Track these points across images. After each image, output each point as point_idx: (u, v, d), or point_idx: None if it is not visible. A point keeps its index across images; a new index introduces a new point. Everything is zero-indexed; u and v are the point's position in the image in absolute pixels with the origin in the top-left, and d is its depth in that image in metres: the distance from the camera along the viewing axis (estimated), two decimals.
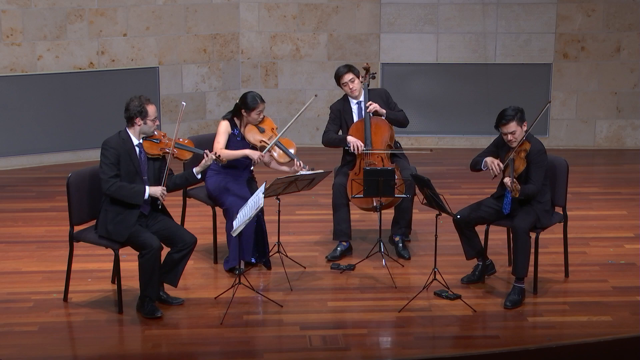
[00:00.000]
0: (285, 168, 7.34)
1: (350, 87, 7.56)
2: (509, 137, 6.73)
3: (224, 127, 7.24)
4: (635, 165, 10.39)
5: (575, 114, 11.15)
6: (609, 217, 8.66)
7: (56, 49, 10.15)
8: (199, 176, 6.62)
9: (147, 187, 6.47)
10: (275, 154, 7.28)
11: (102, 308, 6.63)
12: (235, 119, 7.30)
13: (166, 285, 6.70)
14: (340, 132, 7.73)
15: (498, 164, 6.77)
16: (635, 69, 11.00)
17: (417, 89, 10.71)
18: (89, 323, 6.43)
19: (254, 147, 7.25)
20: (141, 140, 6.53)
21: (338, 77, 7.58)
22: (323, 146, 7.81)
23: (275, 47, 11.00)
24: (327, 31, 10.97)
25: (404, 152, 7.70)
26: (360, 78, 7.63)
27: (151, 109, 6.49)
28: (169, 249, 6.55)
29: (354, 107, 7.66)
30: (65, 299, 6.73)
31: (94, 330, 6.33)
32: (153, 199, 6.55)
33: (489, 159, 6.85)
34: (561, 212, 7.10)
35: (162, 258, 6.84)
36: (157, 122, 6.56)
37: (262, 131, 7.27)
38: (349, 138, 7.51)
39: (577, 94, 11.11)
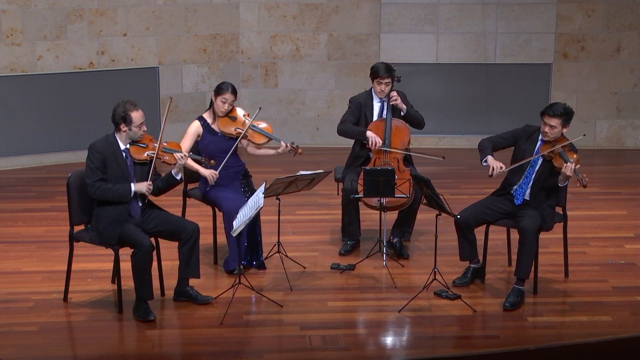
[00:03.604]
0: (269, 151, 7.40)
1: (384, 88, 7.55)
2: (547, 129, 6.72)
3: (193, 129, 7.25)
4: (635, 165, 10.39)
5: (575, 114, 11.13)
6: (609, 217, 8.66)
7: (56, 49, 10.15)
8: (179, 176, 6.61)
9: (132, 184, 6.47)
10: (252, 139, 7.30)
11: (102, 308, 6.63)
12: (206, 116, 7.31)
13: (196, 283, 6.72)
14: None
15: (501, 167, 6.77)
16: (635, 69, 11.00)
17: (417, 89, 10.71)
18: (89, 323, 6.42)
19: (230, 138, 7.25)
20: (128, 145, 6.52)
21: (376, 75, 7.53)
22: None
23: (275, 47, 11.00)
24: (327, 31, 10.97)
25: (417, 154, 7.67)
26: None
27: (136, 116, 6.45)
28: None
29: (377, 105, 7.66)
30: (65, 299, 6.73)
31: (94, 330, 6.32)
32: (141, 198, 6.56)
33: (490, 158, 6.85)
34: (561, 212, 7.10)
35: (160, 258, 6.87)
36: (144, 128, 6.53)
37: (234, 119, 7.29)
38: (369, 132, 7.51)
39: (577, 94, 11.11)
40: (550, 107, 6.76)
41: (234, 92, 7.24)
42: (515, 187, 6.90)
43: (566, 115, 6.73)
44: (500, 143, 7.01)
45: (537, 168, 6.84)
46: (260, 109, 7.50)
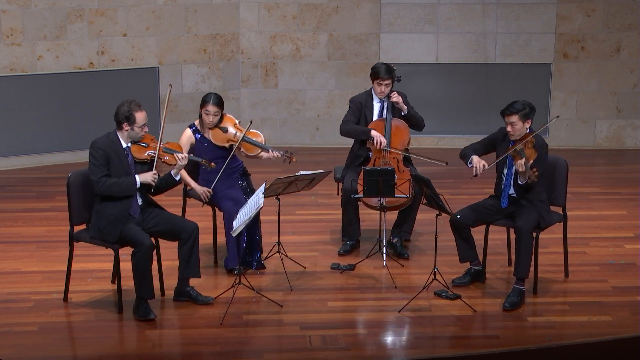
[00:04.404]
0: (263, 154, 7.34)
1: (384, 89, 7.55)
2: (509, 127, 6.78)
3: (186, 138, 7.25)
4: (635, 165, 10.39)
5: (575, 114, 11.16)
6: (609, 217, 8.66)
7: (56, 49, 10.15)
8: (178, 177, 6.61)
9: (136, 176, 6.47)
10: (245, 150, 7.28)
11: (102, 308, 6.63)
12: (196, 124, 7.29)
13: (196, 283, 6.73)
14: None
15: (483, 165, 6.82)
16: (635, 69, 11.00)
17: (417, 89, 10.71)
18: (89, 323, 6.42)
19: (223, 149, 7.23)
20: (129, 144, 6.53)
21: (377, 76, 7.53)
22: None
23: (275, 47, 11.00)
24: (327, 31, 10.97)
25: (420, 157, 7.67)
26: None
27: (139, 116, 6.46)
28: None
29: (376, 105, 7.66)
30: (65, 299, 6.73)
31: (94, 330, 6.33)
32: (142, 195, 6.57)
33: (475, 158, 6.90)
34: (561, 212, 7.10)
35: (159, 258, 6.87)
36: (146, 129, 6.54)
37: (225, 131, 7.26)
38: (374, 132, 7.50)
39: (577, 94, 11.12)
40: (508, 106, 6.80)
41: (217, 103, 7.17)
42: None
43: (523, 110, 6.75)
44: (480, 150, 7.04)
45: (513, 168, 6.85)
46: (251, 122, 7.41)
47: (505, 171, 6.87)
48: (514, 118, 6.74)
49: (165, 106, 6.79)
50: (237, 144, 7.19)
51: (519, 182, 6.74)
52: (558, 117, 7.70)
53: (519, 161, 6.61)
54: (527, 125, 6.79)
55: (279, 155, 7.28)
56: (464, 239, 6.91)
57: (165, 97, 6.90)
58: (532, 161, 6.61)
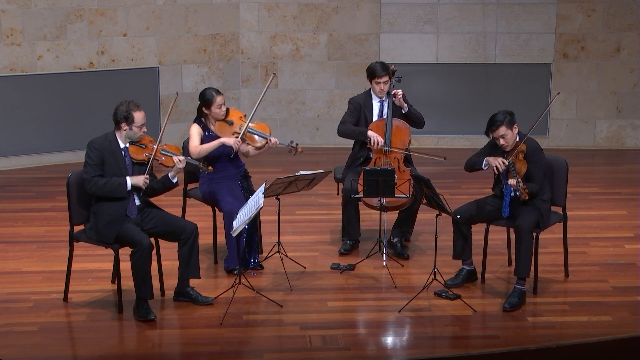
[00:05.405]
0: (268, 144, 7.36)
1: (383, 87, 7.55)
2: (501, 141, 6.75)
3: (195, 129, 7.24)
4: (635, 165, 10.39)
5: (575, 114, 11.16)
6: (609, 217, 8.66)
7: (56, 49, 10.15)
8: (175, 180, 6.60)
9: (127, 178, 6.47)
10: (251, 142, 7.28)
11: (102, 308, 6.63)
12: (202, 120, 7.29)
13: (196, 283, 6.73)
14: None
15: (502, 161, 6.75)
16: (635, 69, 11.00)
17: (417, 89, 10.71)
18: (89, 323, 6.43)
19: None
20: (127, 145, 6.53)
21: (373, 76, 7.54)
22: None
23: (275, 47, 11.00)
24: (327, 31, 10.97)
25: (419, 154, 7.68)
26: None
27: (138, 116, 6.46)
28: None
29: (376, 105, 7.66)
30: (65, 299, 6.73)
31: (94, 330, 6.33)
32: (138, 196, 6.57)
33: (491, 158, 6.84)
34: (561, 212, 7.10)
35: (159, 258, 6.87)
36: (145, 129, 6.54)
37: (231, 124, 7.27)
38: (370, 132, 7.51)
39: (577, 94, 11.12)
40: (490, 124, 6.76)
41: (220, 92, 7.21)
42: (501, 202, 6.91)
43: (505, 118, 6.73)
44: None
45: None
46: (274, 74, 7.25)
47: (504, 181, 6.85)
48: (503, 130, 6.72)
49: (168, 114, 6.79)
50: (241, 134, 7.19)
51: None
52: (559, 93, 7.54)
53: (511, 181, 6.62)
54: (516, 131, 6.78)
55: (275, 142, 7.27)
56: (464, 236, 6.91)
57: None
58: (521, 177, 6.62)
